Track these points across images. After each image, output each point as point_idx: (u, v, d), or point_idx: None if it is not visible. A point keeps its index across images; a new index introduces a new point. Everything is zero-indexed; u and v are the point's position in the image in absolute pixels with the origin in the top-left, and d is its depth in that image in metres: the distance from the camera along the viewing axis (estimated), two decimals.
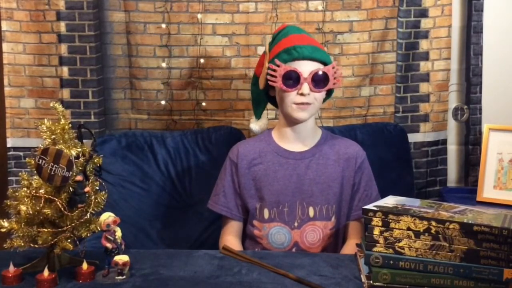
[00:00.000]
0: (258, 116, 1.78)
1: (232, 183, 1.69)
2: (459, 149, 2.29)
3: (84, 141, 1.34)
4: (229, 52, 2.21)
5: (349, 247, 1.62)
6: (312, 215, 1.64)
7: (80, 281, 1.27)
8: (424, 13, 2.19)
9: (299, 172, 1.65)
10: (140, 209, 2.00)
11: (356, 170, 1.68)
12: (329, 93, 1.70)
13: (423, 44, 2.21)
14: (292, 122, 1.66)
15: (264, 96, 1.72)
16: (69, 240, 1.28)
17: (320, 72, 1.58)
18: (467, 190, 2.20)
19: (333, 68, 1.60)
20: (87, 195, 1.29)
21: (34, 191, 1.27)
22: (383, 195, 1.46)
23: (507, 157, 2.06)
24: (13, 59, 2.19)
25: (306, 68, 1.58)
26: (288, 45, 1.61)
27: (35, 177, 1.28)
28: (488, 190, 2.06)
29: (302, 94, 1.58)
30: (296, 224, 1.64)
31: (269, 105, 1.80)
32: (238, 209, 1.69)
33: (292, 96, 1.60)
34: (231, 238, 1.69)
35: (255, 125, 1.80)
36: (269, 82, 1.61)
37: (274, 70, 1.59)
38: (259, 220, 1.67)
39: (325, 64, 1.61)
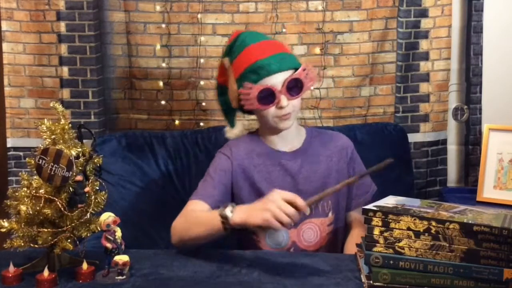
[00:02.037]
0: (233, 124, 1.74)
1: (224, 178, 1.63)
2: (459, 149, 2.29)
3: (84, 141, 1.34)
4: None
5: (354, 238, 1.60)
6: (308, 213, 1.63)
7: (80, 281, 1.27)
8: (424, 13, 2.19)
9: (293, 172, 1.65)
10: (140, 209, 2.00)
11: (348, 162, 1.69)
12: None
13: (423, 44, 2.21)
14: (276, 131, 1.64)
15: (236, 108, 1.68)
16: (69, 240, 1.28)
17: (293, 79, 1.55)
18: (467, 190, 2.20)
19: (304, 70, 1.57)
20: (87, 195, 1.29)
21: (34, 191, 1.27)
22: (383, 195, 1.45)
23: (507, 157, 2.06)
24: (13, 59, 2.19)
25: (277, 80, 1.54)
26: (251, 61, 1.55)
27: (35, 177, 1.28)
28: (488, 190, 2.05)
29: (281, 107, 1.55)
30: (292, 223, 1.63)
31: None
32: (222, 202, 1.55)
33: (272, 111, 1.57)
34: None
35: (231, 133, 1.76)
36: (245, 107, 1.58)
37: (248, 93, 1.55)
38: None
39: (295, 68, 1.57)
